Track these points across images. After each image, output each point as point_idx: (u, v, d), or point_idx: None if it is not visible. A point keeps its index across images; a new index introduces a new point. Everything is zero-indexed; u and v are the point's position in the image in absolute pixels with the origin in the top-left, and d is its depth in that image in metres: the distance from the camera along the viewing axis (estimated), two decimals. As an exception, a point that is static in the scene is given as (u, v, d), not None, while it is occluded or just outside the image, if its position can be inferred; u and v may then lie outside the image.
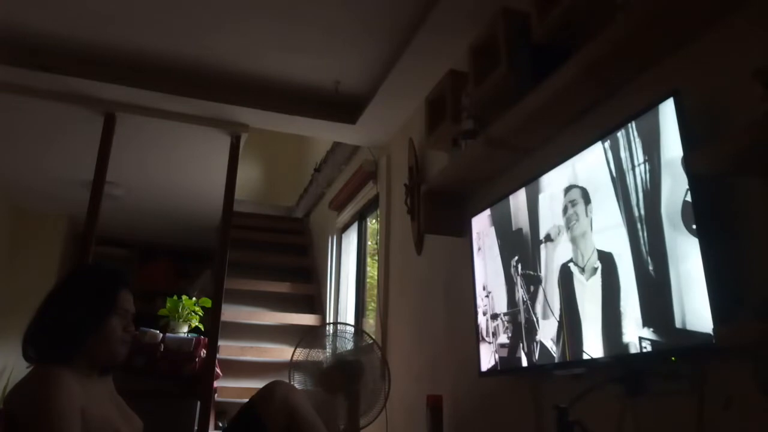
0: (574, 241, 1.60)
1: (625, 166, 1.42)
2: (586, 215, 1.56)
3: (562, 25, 1.69)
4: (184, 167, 3.98)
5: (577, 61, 1.51)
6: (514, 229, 1.90)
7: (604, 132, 1.49)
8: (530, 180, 1.82)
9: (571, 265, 1.60)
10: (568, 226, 1.63)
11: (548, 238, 1.71)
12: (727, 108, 1.28)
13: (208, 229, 4.80)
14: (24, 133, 3.51)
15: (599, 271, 1.48)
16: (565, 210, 1.66)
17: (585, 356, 1.50)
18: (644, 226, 1.35)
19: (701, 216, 1.20)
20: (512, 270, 1.89)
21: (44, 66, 2.82)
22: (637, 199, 1.38)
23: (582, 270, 1.55)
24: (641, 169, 1.37)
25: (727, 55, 1.30)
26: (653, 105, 1.33)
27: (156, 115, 3.18)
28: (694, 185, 1.21)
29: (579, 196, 1.61)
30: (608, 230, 1.46)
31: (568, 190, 1.65)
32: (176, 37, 2.72)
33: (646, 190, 1.36)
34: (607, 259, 1.46)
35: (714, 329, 1.13)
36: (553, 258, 1.69)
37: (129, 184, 4.15)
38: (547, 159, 1.76)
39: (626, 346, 1.36)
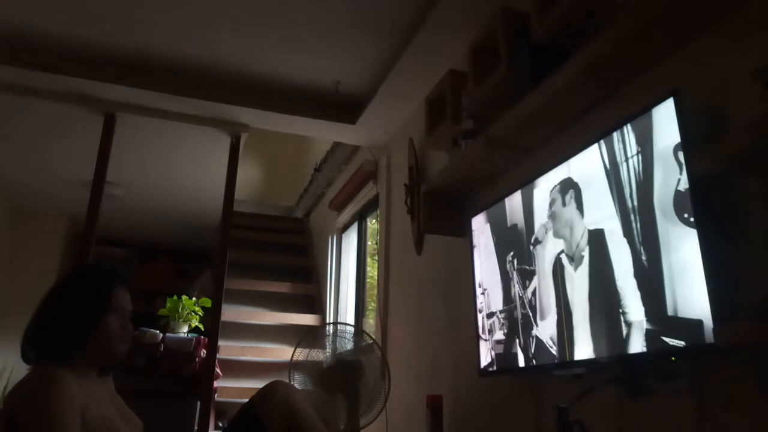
0: (559, 233, 1.62)
1: (618, 159, 1.44)
2: (574, 204, 1.58)
3: (562, 25, 1.69)
4: (184, 167, 3.98)
5: (577, 61, 1.51)
6: (509, 225, 1.91)
7: (604, 133, 1.49)
8: (527, 182, 1.83)
9: (562, 256, 1.61)
10: (554, 220, 1.65)
11: (537, 241, 1.73)
12: (727, 108, 1.28)
13: (208, 229, 4.80)
14: (24, 133, 3.51)
15: (586, 259, 1.49)
16: (550, 205, 1.69)
17: (580, 350, 1.51)
18: (637, 217, 1.36)
19: (701, 216, 1.20)
20: (508, 266, 1.90)
21: (44, 66, 2.82)
22: (630, 190, 1.39)
23: (571, 259, 1.56)
24: (634, 161, 1.39)
25: (727, 55, 1.30)
26: (649, 107, 1.34)
27: (156, 115, 3.18)
28: (694, 185, 1.21)
29: (563, 189, 1.64)
30: (601, 221, 1.48)
31: (554, 187, 1.68)
32: (176, 37, 2.73)
33: (638, 181, 1.37)
34: (597, 241, 1.46)
35: (714, 329, 1.13)
36: (545, 252, 1.70)
37: (129, 184, 4.15)
38: (547, 159, 1.76)
39: (622, 339, 1.37)
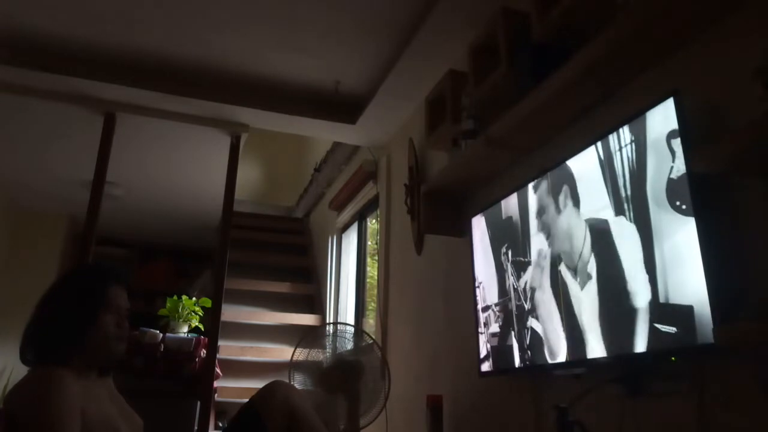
0: (556, 246, 1.62)
1: (612, 148, 1.45)
2: (570, 203, 1.58)
3: (562, 25, 1.69)
4: (184, 167, 3.98)
5: (577, 61, 1.51)
6: (504, 217, 1.92)
7: (604, 133, 1.49)
8: (523, 184, 1.83)
9: (561, 268, 1.60)
10: (548, 232, 1.66)
11: (557, 261, 1.71)
12: (727, 108, 1.28)
13: (208, 229, 4.80)
14: (24, 133, 3.51)
15: (594, 279, 1.47)
16: (540, 213, 1.70)
17: (580, 350, 1.50)
18: (630, 206, 1.37)
19: (701, 216, 1.20)
20: (502, 258, 1.91)
21: (44, 66, 2.82)
22: (623, 180, 1.40)
23: (575, 273, 1.55)
24: (627, 150, 1.40)
25: (727, 55, 1.30)
26: (644, 110, 1.35)
27: (156, 115, 3.18)
28: (694, 185, 1.21)
29: (554, 188, 1.64)
30: (602, 214, 1.48)
31: (537, 185, 1.69)
32: (176, 38, 2.73)
33: (632, 170, 1.38)
34: (602, 242, 1.45)
35: (714, 329, 1.13)
36: (541, 247, 1.71)
37: (129, 184, 4.15)
38: (547, 159, 1.76)
39: (620, 331, 1.37)
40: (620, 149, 1.42)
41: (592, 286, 1.48)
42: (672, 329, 1.23)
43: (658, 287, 1.27)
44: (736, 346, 1.14)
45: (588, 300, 1.49)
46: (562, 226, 1.62)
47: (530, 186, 1.79)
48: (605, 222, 1.45)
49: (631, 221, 1.37)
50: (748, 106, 1.15)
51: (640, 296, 1.32)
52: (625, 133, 1.41)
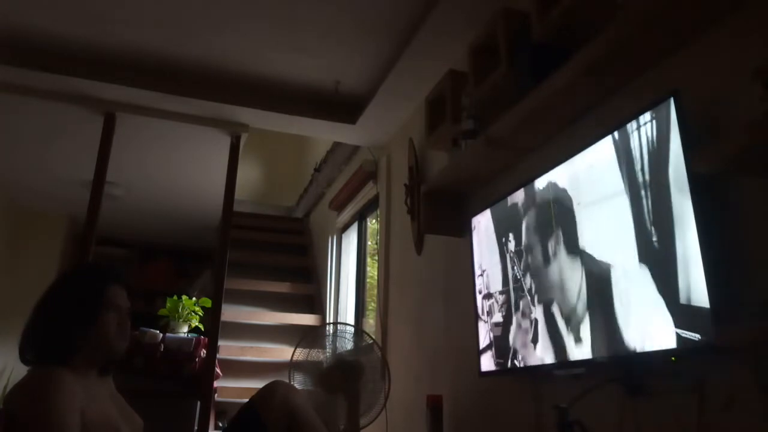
0: (545, 296, 1.63)
1: (629, 129, 1.38)
2: (563, 246, 1.56)
3: (562, 25, 1.69)
4: (184, 167, 3.98)
5: (577, 61, 1.51)
6: (509, 204, 1.92)
7: (604, 132, 1.49)
8: (528, 181, 1.83)
9: (554, 309, 1.60)
10: (536, 281, 1.67)
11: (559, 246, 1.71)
12: (727, 108, 1.28)
13: (208, 229, 4.80)
14: (24, 133, 3.51)
15: (587, 322, 1.47)
16: (521, 256, 1.70)
17: (580, 350, 1.51)
18: (648, 193, 1.30)
19: (702, 216, 1.20)
20: (505, 247, 1.90)
21: (44, 66, 2.82)
22: (642, 164, 1.32)
23: (568, 321, 1.55)
24: (647, 130, 1.32)
25: (727, 55, 1.29)
26: (655, 104, 1.33)
27: (156, 115, 3.18)
28: (694, 185, 1.21)
29: (540, 227, 1.62)
30: (604, 242, 1.45)
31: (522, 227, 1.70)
32: (177, 38, 2.73)
33: (651, 150, 1.30)
34: (599, 288, 1.44)
35: (714, 329, 1.12)
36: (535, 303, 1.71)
37: (129, 184, 4.15)
38: (547, 159, 1.76)
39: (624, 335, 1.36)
40: (638, 128, 1.34)
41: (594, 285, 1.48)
42: (696, 336, 1.16)
43: (679, 285, 1.20)
44: (736, 346, 1.14)
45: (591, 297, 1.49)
46: (554, 282, 1.62)
47: (536, 182, 1.78)
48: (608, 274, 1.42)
49: (647, 215, 1.31)
50: (748, 106, 1.15)
51: (655, 296, 1.28)
52: (646, 115, 1.33)
